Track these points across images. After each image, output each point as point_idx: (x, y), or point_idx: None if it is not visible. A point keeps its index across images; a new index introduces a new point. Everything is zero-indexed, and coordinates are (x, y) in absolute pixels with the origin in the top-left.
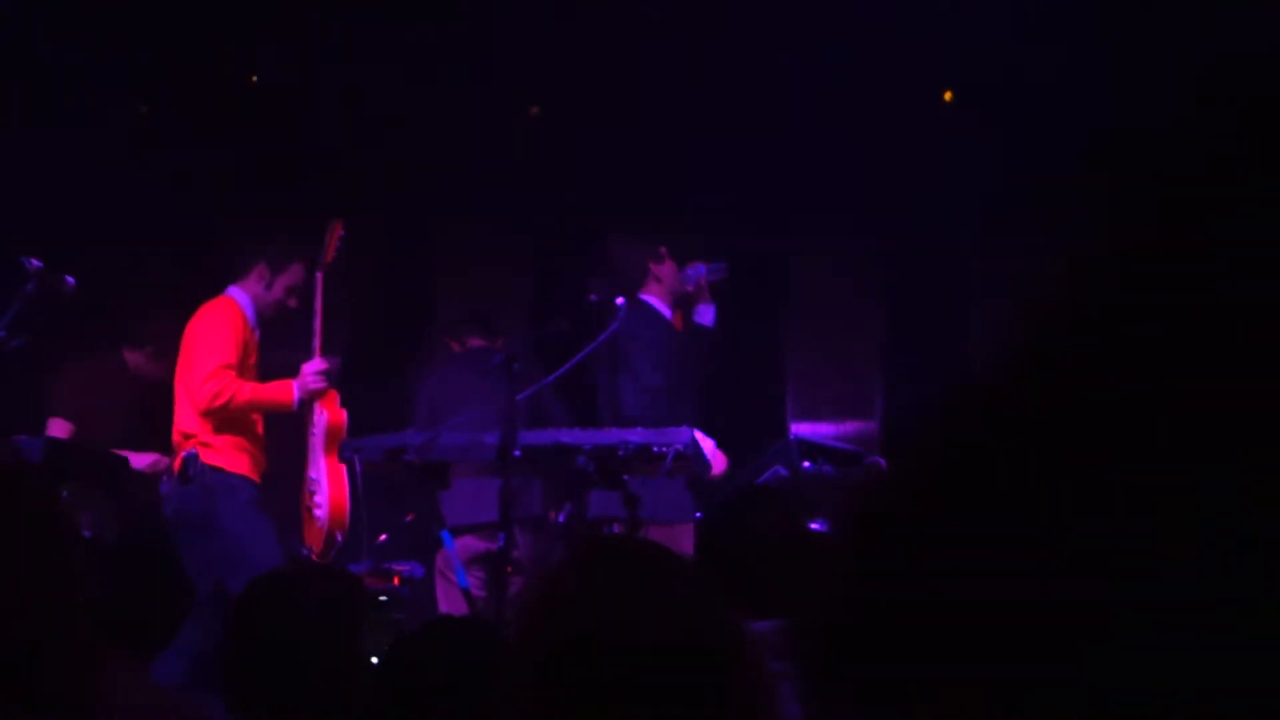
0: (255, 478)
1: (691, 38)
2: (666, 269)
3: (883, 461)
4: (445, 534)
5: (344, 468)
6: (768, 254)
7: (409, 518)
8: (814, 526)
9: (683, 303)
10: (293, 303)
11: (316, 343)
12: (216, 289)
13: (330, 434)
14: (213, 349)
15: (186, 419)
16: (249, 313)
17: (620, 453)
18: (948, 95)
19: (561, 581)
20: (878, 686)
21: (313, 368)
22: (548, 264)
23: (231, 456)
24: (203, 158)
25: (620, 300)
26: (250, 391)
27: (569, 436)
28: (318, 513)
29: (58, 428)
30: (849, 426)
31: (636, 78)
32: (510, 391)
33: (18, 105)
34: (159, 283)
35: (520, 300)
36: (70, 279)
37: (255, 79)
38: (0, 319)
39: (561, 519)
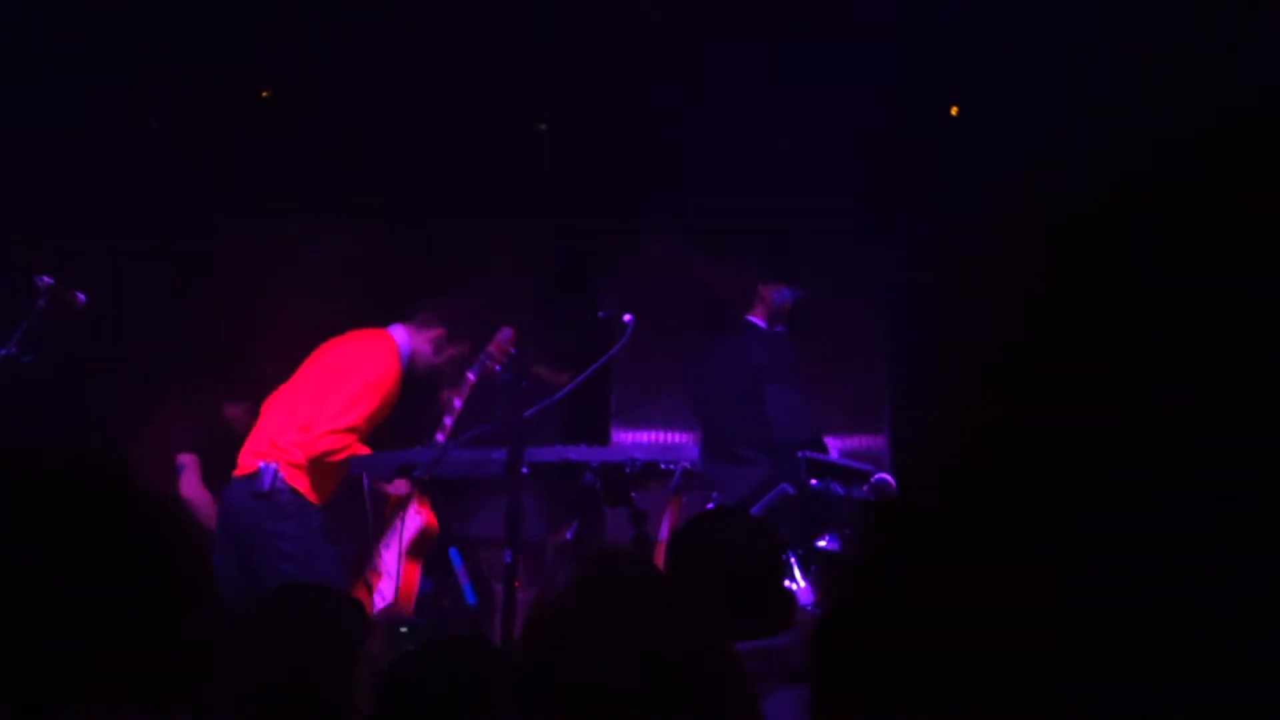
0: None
1: (691, 37)
2: (771, 290)
3: (890, 478)
4: (453, 551)
5: (419, 571)
6: (770, 262)
7: None
8: (822, 543)
9: (772, 323)
10: (448, 370)
11: (440, 439)
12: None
13: (420, 536)
14: (354, 403)
15: (285, 433)
16: (404, 363)
17: (627, 469)
18: (954, 110)
19: (564, 601)
20: (880, 696)
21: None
22: (552, 271)
23: (313, 484)
24: (203, 159)
25: (628, 317)
26: None
27: (576, 453)
28: (375, 598)
29: (190, 464)
30: (856, 441)
31: (637, 78)
32: (518, 408)
33: (17, 110)
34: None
35: (525, 309)
36: (81, 295)
37: (266, 95)
38: (12, 335)
39: (569, 537)
